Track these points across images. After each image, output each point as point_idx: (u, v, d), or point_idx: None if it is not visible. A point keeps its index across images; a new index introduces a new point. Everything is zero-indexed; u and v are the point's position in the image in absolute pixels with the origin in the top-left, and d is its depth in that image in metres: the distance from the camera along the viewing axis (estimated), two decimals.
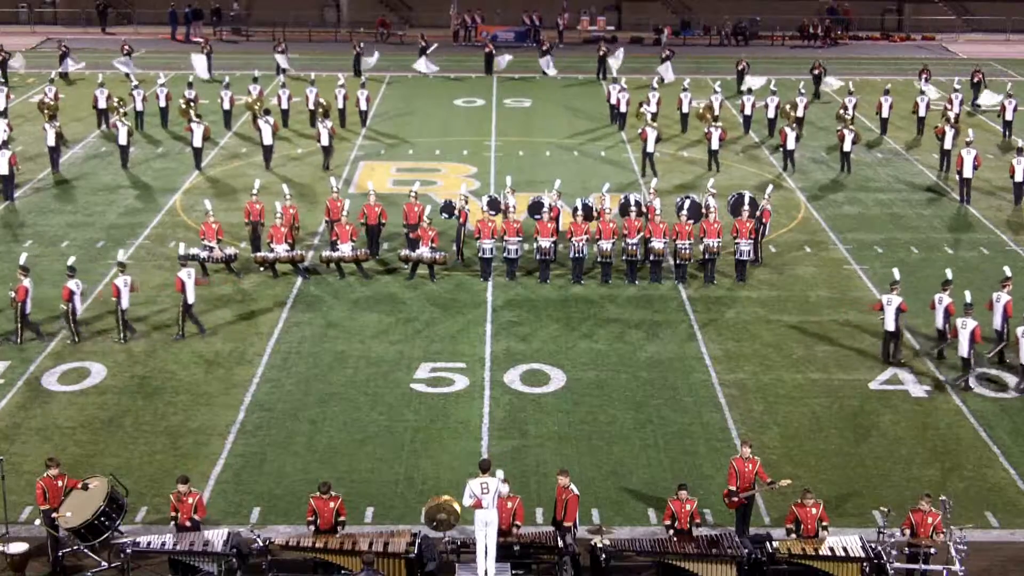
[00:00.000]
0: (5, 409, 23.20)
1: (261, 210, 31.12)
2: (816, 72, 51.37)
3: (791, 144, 39.59)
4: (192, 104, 43.06)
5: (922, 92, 45.61)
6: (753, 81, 48.95)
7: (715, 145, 39.43)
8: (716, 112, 43.27)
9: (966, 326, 24.20)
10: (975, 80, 50.50)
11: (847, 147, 39.63)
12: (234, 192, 36.69)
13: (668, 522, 18.28)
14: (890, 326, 25.41)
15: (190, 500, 18.13)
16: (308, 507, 18.23)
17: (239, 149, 42.15)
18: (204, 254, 29.62)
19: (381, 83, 53.85)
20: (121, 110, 41.32)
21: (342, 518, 18.23)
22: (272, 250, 29.65)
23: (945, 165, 39.70)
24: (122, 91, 45.69)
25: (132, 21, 69.11)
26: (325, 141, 39.46)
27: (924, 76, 49.94)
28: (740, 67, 52.17)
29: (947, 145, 39.53)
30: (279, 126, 41.71)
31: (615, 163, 40.86)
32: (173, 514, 18.14)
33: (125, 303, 26.08)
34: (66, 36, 56.85)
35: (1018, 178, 36.32)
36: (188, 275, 26.34)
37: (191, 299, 26.38)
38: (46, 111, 42.48)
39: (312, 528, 18.12)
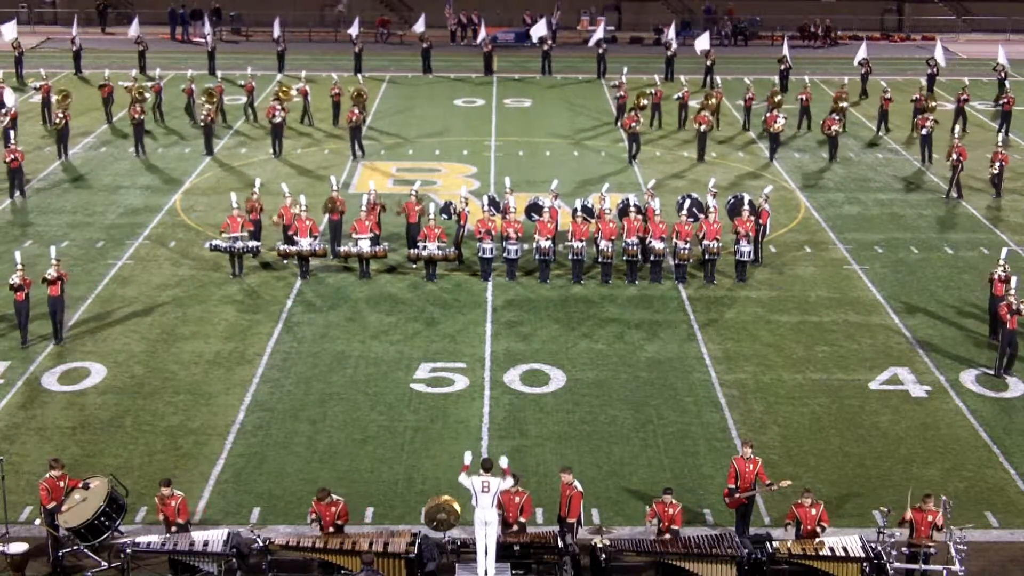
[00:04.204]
0: (5, 409, 23.20)
1: (261, 208, 31.16)
2: (931, 72, 51.06)
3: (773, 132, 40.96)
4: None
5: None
6: (700, 43, 52.73)
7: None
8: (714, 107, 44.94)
9: None
10: (930, 72, 50.97)
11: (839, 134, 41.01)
12: (236, 190, 36.54)
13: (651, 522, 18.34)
14: None
15: (173, 503, 18.12)
16: (310, 509, 18.22)
17: (240, 148, 42.15)
18: (239, 245, 29.57)
19: (381, 83, 53.83)
20: (147, 97, 42.80)
21: (340, 522, 18.19)
22: (295, 243, 29.65)
23: (927, 156, 40.67)
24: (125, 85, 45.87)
25: (132, 21, 68.87)
26: None
27: (865, 71, 51.17)
28: (709, 62, 52.89)
29: (924, 132, 40.65)
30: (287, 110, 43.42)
31: (616, 162, 40.85)
32: (161, 517, 18.18)
33: None
34: (65, 36, 56.71)
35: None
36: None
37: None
38: (65, 98, 42.85)
39: (317, 526, 18.09)
